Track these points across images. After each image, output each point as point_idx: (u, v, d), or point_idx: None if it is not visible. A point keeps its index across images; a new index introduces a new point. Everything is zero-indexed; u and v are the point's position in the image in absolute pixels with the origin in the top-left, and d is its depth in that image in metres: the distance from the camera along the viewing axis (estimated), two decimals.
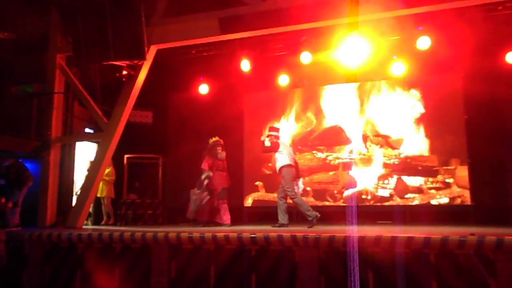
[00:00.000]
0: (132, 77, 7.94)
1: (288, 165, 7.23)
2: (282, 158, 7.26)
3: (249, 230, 5.81)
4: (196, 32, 7.65)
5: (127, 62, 7.73)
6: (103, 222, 9.21)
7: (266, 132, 7.70)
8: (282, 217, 7.10)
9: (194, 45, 8.82)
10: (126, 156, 9.73)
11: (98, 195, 9.05)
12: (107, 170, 9.15)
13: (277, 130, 7.67)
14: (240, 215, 10.20)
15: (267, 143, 7.46)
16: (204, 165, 8.13)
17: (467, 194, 8.86)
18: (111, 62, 7.56)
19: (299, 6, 6.90)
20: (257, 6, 7.22)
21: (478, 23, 7.70)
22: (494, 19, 7.62)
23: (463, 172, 8.93)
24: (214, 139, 8.39)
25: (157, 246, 5.44)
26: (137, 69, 7.88)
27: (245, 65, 9.49)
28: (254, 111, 10.69)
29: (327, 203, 9.78)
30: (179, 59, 9.46)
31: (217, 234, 5.22)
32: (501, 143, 8.36)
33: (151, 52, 7.82)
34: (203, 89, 10.42)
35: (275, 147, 7.34)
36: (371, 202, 9.46)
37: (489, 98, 8.39)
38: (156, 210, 9.58)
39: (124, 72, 8.03)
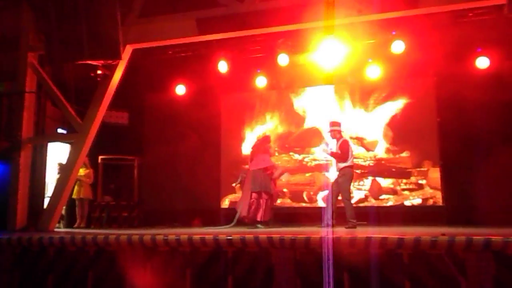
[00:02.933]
0: (107, 77, 7.82)
1: (350, 166, 7.06)
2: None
3: (225, 232, 5.79)
4: (173, 32, 7.60)
5: (102, 62, 7.59)
6: (76, 225, 9.01)
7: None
8: (353, 216, 6.92)
9: (171, 46, 8.75)
10: (100, 157, 9.56)
11: (74, 196, 8.87)
12: (86, 171, 8.99)
13: (339, 124, 7.33)
14: (217, 217, 10.16)
15: (329, 146, 7.14)
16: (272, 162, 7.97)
17: (439, 195, 9.08)
18: (85, 62, 7.41)
19: (276, 8, 6.95)
20: (235, 7, 7.22)
21: (450, 28, 7.93)
22: (464, 25, 7.84)
23: (435, 173, 9.15)
24: (263, 134, 8.27)
25: (131, 249, 5.36)
26: (113, 68, 7.76)
27: (223, 66, 9.47)
28: (232, 113, 10.68)
29: (303, 205, 9.86)
30: (155, 59, 9.36)
31: (193, 236, 5.18)
32: (472, 146, 8.60)
33: (127, 52, 7.71)
34: (180, 90, 10.33)
35: (345, 147, 7.00)
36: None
37: (460, 101, 8.64)
38: (131, 213, 9.43)
39: (99, 72, 7.88)
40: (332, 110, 9.87)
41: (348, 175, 6.99)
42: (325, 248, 4.61)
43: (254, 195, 7.62)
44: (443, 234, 4.60)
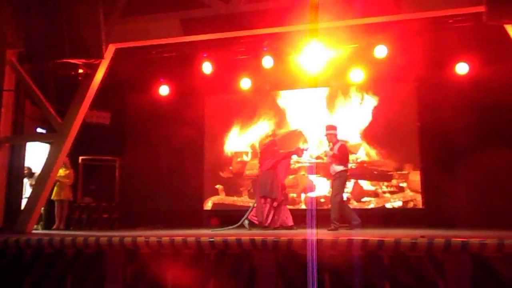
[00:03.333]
0: (89, 76, 7.70)
1: (346, 170, 7.08)
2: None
3: (208, 234, 5.75)
4: (157, 32, 7.53)
5: (84, 61, 7.48)
6: (54, 227, 8.84)
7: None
8: (355, 218, 6.96)
9: (154, 46, 8.67)
10: (81, 157, 9.40)
11: (54, 198, 8.71)
12: (66, 172, 8.83)
13: (335, 128, 7.34)
14: (199, 219, 10.11)
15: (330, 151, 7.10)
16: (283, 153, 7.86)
17: (419, 198, 9.22)
18: (66, 60, 7.28)
19: (261, 10, 6.95)
20: (220, 8, 7.21)
21: (431, 34, 8.07)
22: (445, 31, 7.99)
23: (415, 177, 9.29)
24: (268, 139, 8.21)
25: (112, 251, 5.28)
26: (95, 68, 7.64)
27: (207, 67, 9.44)
28: (215, 114, 10.65)
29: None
30: (139, 59, 9.27)
31: (175, 238, 5.14)
32: (451, 150, 8.78)
33: (109, 51, 7.61)
34: (164, 90, 10.26)
35: (345, 151, 7.05)
36: (329, 206, 9.61)
37: (440, 106, 8.81)
38: (112, 214, 9.30)
39: (81, 71, 7.78)
40: (316, 113, 9.94)
41: (343, 178, 7.06)
42: (308, 250, 4.63)
43: (262, 199, 7.53)
44: (423, 237, 4.67)
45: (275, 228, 7.35)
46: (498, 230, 6.42)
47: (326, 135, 7.26)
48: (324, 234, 5.47)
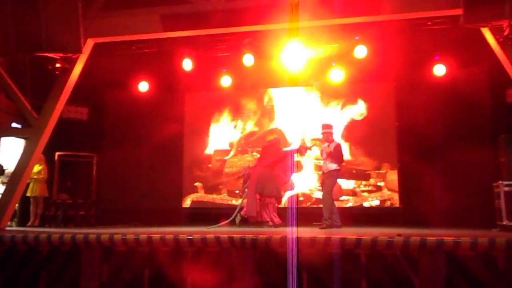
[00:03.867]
0: (67, 71, 7.55)
1: (338, 169, 7.11)
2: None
3: (186, 231, 5.71)
4: (137, 27, 7.45)
5: (61, 55, 7.32)
6: (29, 223, 8.64)
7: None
8: (337, 217, 6.99)
9: (134, 41, 8.57)
10: (57, 153, 9.21)
11: (29, 194, 8.51)
12: (39, 168, 8.63)
13: (331, 127, 7.34)
14: (178, 217, 10.05)
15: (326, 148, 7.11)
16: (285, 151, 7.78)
17: (396, 197, 9.37)
18: (43, 54, 7.12)
19: (242, 8, 6.96)
20: (201, 5, 7.17)
21: (410, 36, 8.20)
22: (423, 33, 8.12)
23: (393, 176, 9.44)
24: (273, 137, 8.07)
25: (88, 248, 5.20)
26: (72, 62, 7.51)
27: (187, 64, 9.36)
28: (195, 111, 10.59)
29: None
30: (118, 54, 9.13)
31: (152, 236, 5.09)
32: (428, 150, 8.92)
33: (88, 46, 7.49)
34: (143, 86, 10.14)
35: (340, 150, 7.09)
36: (308, 204, 9.71)
37: (418, 106, 8.94)
38: (89, 211, 9.15)
39: (58, 65, 7.59)
40: (296, 112, 9.99)
41: (335, 177, 7.11)
42: (289, 248, 4.64)
43: (259, 196, 7.41)
44: (399, 235, 4.74)
45: (263, 224, 7.30)
46: (472, 229, 6.58)
47: (322, 133, 7.29)
48: (310, 232, 5.49)
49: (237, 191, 10.16)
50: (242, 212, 7.59)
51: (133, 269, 5.11)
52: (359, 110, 9.79)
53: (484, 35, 6.57)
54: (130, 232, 5.41)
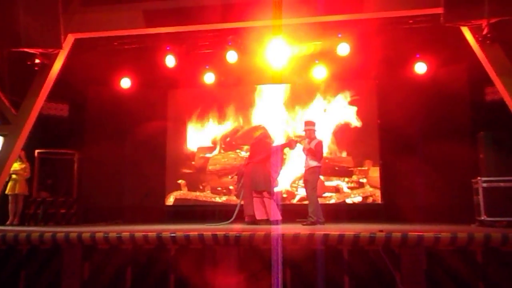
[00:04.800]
0: (46, 67, 7.38)
1: (320, 166, 7.11)
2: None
3: (169, 229, 5.68)
4: (119, 23, 7.34)
5: (41, 50, 7.16)
6: (8, 222, 8.47)
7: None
8: (320, 214, 6.95)
9: (116, 37, 8.42)
10: (37, 151, 9.03)
11: (8, 192, 8.34)
12: (22, 166, 8.47)
13: (314, 124, 7.30)
14: (161, 214, 9.98)
15: (304, 143, 7.14)
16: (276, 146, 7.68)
17: (378, 193, 9.49)
18: (22, 49, 6.96)
19: (225, 5, 6.91)
20: (184, 1, 7.11)
21: (392, 34, 8.28)
22: (405, 31, 8.22)
23: (375, 173, 9.55)
24: (259, 131, 7.92)
25: (69, 247, 5.12)
26: (52, 58, 7.34)
27: (170, 60, 9.29)
28: (178, 108, 10.52)
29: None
30: (100, 50, 8.98)
31: (135, 233, 5.04)
32: (409, 147, 9.04)
33: (68, 41, 7.35)
34: (125, 83, 10.02)
35: (321, 148, 7.09)
36: (291, 201, 9.75)
37: (400, 104, 9.06)
38: (69, 209, 8.99)
39: (37, 61, 7.42)
40: (279, 109, 10.01)
41: (316, 174, 7.13)
42: (273, 244, 4.65)
43: (255, 193, 7.22)
44: (381, 231, 4.80)
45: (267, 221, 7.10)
46: (451, 224, 6.72)
47: (305, 130, 7.29)
48: (293, 228, 5.52)
49: (219, 188, 10.15)
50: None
51: (115, 267, 5.07)
52: (341, 107, 9.87)
53: (464, 34, 6.68)
54: (112, 230, 5.34)
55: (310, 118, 7.73)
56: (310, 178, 7.08)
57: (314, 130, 7.26)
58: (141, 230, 5.39)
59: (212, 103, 10.42)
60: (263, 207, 7.16)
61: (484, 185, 6.54)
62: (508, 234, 4.45)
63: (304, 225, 6.72)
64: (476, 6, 5.93)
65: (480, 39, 6.37)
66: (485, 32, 6.18)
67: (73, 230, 5.38)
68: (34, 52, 7.20)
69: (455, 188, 8.30)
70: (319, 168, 7.16)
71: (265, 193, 7.21)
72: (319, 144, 7.15)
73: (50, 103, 8.91)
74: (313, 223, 6.76)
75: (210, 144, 10.37)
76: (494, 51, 6.39)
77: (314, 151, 7.04)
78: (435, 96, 8.87)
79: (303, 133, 7.45)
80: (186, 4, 7.08)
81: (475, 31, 6.43)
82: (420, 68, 9.03)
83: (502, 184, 6.48)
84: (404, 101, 9.03)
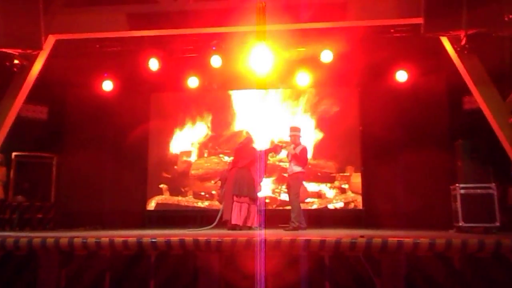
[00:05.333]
0: (26, 68, 7.24)
1: (303, 172, 7.17)
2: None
3: (150, 234, 5.60)
4: (101, 25, 7.26)
5: (20, 51, 7.02)
6: None
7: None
8: (302, 220, 6.95)
9: (98, 39, 8.34)
10: (14, 154, 8.81)
11: None
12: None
13: (299, 130, 7.37)
14: (142, 219, 9.86)
15: (290, 149, 7.14)
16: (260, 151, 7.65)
17: (359, 199, 9.57)
18: (0, 49, 6.81)
19: (209, 9, 6.93)
20: (168, 5, 7.08)
21: (374, 42, 8.41)
22: (387, 40, 8.36)
23: (357, 179, 9.64)
24: (244, 136, 7.93)
25: (45, 253, 5.00)
26: (32, 59, 7.21)
27: (154, 64, 9.22)
28: (161, 112, 10.43)
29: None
30: (81, 52, 8.86)
31: (114, 239, 4.96)
32: (391, 153, 9.17)
33: (49, 42, 7.23)
34: (107, 86, 9.88)
35: (306, 154, 7.16)
36: (274, 206, 9.76)
37: (381, 111, 9.21)
38: (47, 214, 8.78)
39: (16, 62, 7.27)
40: (262, 114, 10.03)
41: (300, 179, 7.17)
42: (255, 250, 4.63)
43: (236, 198, 7.22)
44: (362, 237, 4.83)
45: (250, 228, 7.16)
46: (430, 230, 6.81)
47: (290, 136, 7.32)
48: (276, 234, 5.50)
49: (202, 193, 10.09)
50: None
51: (93, 274, 4.97)
52: (324, 114, 9.94)
53: (444, 44, 6.83)
54: (91, 236, 5.24)
55: (296, 124, 7.78)
56: (293, 184, 7.11)
57: (299, 136, 7.31)
58: (120, 235, 5.30)
59: (195, 108, 10.37)
60: (240, 213, 7.16)
61: (462, 191, 6.66)
62: (484, 240, 4.52)
63: (286, 230, 6.73)
64: (455, 18, 6.08)
65: (458, 49, 6.52)
66: (463, 42, 6.33)
67: (50, 236, 5.24)
68: (13, 52, 7.05)
69: (434, 194, 8.43)
70: (303, 174, 7.20)
71: (246, 199, 7.20)
72: (304, 150, 7.20)
73: (28, 105, 8.70)
74: (295, 229, 6.77)
75: (193, 149, 10.31)
76: (471, 61, 6.55)
77: (299, 157, 7.08)
78: (415, 104, 9.03)
79: (288, 139, 7.48)
80: (170, 8, 7.05)
81: (454, 42, 6.59)
82: (401, 76, 9.17)
83: (479, 191, 6.61)
84: (385, 109, 9.18)
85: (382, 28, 8.03)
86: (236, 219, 7.12)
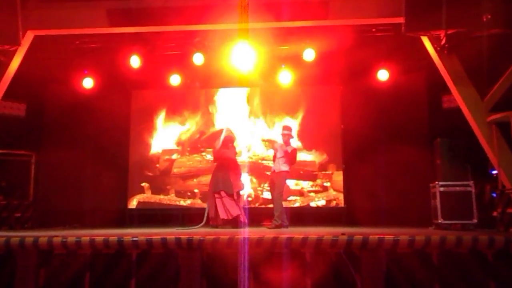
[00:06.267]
0: (3, 64, 7.11)
1: (288, 171, 7.19)
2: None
3: (131, 233, 5.55)
4: (81, 21, 7.17)
5: None
6: None
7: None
8: (284, 219, 6.97)
9: (78, 35, 8.20)
10: None
11: None
12: None
13: (291, 129, 7.40)
14: (123, 218, 9.75)
15: (281, 145, 7.17)
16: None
17: (341, 197, 9.66)
18: None
19: (191, 6, 6.90)
20: (149, 2, 7.02)
21: (356, 41, 8.48)
22: (368, 39, 8.44)
23: (338, 177, 9.73)
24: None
25: (23, 252, 4.90)
26: (10, 55, 7.08)
27: (135, 61, 9.10)
28: (142, 110, 10.33)
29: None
30: (60, 48, 8.70)
31: (95, 238, 4.89)
32: (372, 151, 9.27)
33: (27, 38, 7.10)
34: (87, 83, 9.72)
35: (295, 154, 7.19)
36: (256, 205, 9.77)
37: (363, 109, 9.30)
38: (25, 213, 8.60)
39: None
40: (244, 113, 10.03)
41: (284, 178, 7.22)
42: (240, 247, 4.63)
43: (216, 195, 7.37)
44: (343, 234, 4.87)
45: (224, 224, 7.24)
46: (410, 227, 6.92)
47: (282, 135, 7.35)
48: (258, 232, 5.51)
49: (184, 192, 10.03)
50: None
51: (72, 273, 4.89)
52: (306, 112, 9.99)
53: (424, 43, 6.93)
54: (71, 235, 5.16)
55: (288, 123, 7.82)
56: (278, 182, 7.14)
57: (291, 136, 7.36)
58: (101, 234, 5.23)
59: (177, 105, 10.31)
60: (223, 207, 7.24)
61: (441, 189, 6.78)
62: (461, 237, 4.62)
63: (269, 228, 6.75)
64: (435, 17, 6.19)
65: (438, 48, 6.64)
66: (443, 42, 6.45)
67: (29, 235, 5.14)
68: None
69: (414, 192, 8.56)
70: (288, 173, 7.25)
71: (222, 193, 7.28)
72: (295, 151, 7.28)
73: (6, 102, 8.54)
74: (277, 226, 6.80)
75: (175, 147, 10.24)
76: (451, 61, 6.68)
77: (290, 156, 7.13)
78: (396, 102, 9.15)
79: (275, 138, 7.53)
80: (151, 4, 6.99)
81: (434, 41, 6.70)
82: (383, 75, 9.26)
83: (457, 189, 6.74)
84: (366, 107, 9.27)
85: (364, 27, 8.11)
86: (223, 214, 7.21)
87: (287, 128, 7.43)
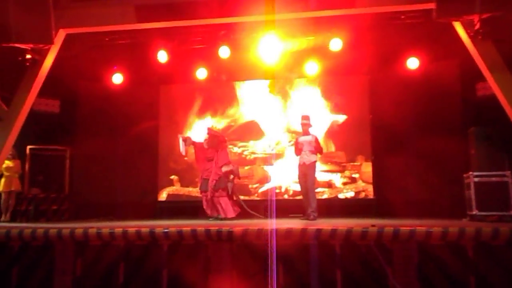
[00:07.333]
0: (37, 62, 7.31)
1: (316, 161, 7.27)
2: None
3: (162, 225, 5.67)
4: (110, 18, 7.29)
5: (32, 46, 7.08)
6: (1, 219, 8.42)
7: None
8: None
9: (107, 32, 8.35)
10: (29, 147, 8.96)
11: (2, 189, 8.31)
12: (13, 164, 8.43)
13: (309, 118, 7.43)
14: (154, 210, 9.96)
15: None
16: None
17: (370, 188, 9.53)
18: (12, 45, 6.88)
19: (217, 0, 6.88)
20: None
21: (384, 29, 8.29)
22: (397, 26, 8.23)
23: (367, 168, 9.59)
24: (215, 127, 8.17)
25: (61, 243, 5.10)
26: (43, 53, 7.27)
27: (162, 56, 9.23)
28: (170, 104, 10.47)
29: (242, 197, 9.88)
30: (91, 45, 8.91)
31: (128, 229, 5.03)
32: (401, 142, 9.08)
33: (60, 37, 7.28)
34: (117, 79, 9.95)
35: (319, 142, 7.29)
36: (284, 196, 9.78)
37: (392, 99, 9.08)
38: (61, 206, 8.94)
39: (28, 56, 7.34)
40: (271, 105, 10.01)
41: (315, 169, 7.22)
42: (268, 239, 4.67)
43: (203, 193, 7.73)
44: (373, 226, 4.82)
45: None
46: (443, 219, 6.77)
47: (302, 124, 7.33)
48: (288, 223, 5.53)
49: None
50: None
51: (107, 263, 5.05)
52: (334, 102, 9.87)
53: (456, 29, 6.71)
54: (105, 226, 5.33)
55: (306, 113, 7.76)
56: (311, 173, 7.13)
57: (310, 125, 7.30)
58: (133, 226, 5.38)
59: (205, 99, 10.39)
60: (207, 204, 7.60)
61: (476, 179, 6.59)
62: (498, 229, 4.49)
63: (310, 220, 6.76)
64: (468, 2, 5.95)
65: (472, 34, 6.39)
66: (477, 27, 6.20)
67: (65, 227, 5.35)
68: (25, 47, 7.11)
69: (447, 183, 8.35)
70: (316, 163, 7.24)
71: (207, 193, 7.56)
72: (317, 139, 7.22)
73: (41, 99, 8.81)
74: (315, 218, 6.80)
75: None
76: (485, 47, 6.41)
77: (317, 145, 7.12)
78: (427, 91, 8.91)
79: (299, 127, 7.53)
80: None
81: (467, 27, 6.46)
82: (412, 63, 9.03)
83: (493, 179, 6.53)
84: (396, 97, 9.07)
85: (393, 15, 7.89)
86: (216, 211, 7.55)
87: (306, 118, 7.40)
